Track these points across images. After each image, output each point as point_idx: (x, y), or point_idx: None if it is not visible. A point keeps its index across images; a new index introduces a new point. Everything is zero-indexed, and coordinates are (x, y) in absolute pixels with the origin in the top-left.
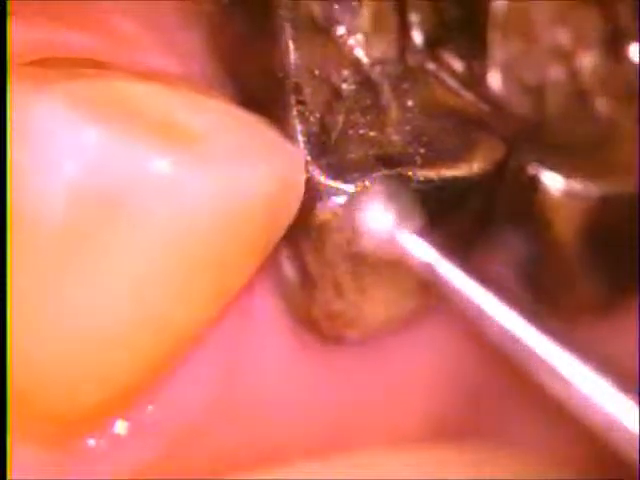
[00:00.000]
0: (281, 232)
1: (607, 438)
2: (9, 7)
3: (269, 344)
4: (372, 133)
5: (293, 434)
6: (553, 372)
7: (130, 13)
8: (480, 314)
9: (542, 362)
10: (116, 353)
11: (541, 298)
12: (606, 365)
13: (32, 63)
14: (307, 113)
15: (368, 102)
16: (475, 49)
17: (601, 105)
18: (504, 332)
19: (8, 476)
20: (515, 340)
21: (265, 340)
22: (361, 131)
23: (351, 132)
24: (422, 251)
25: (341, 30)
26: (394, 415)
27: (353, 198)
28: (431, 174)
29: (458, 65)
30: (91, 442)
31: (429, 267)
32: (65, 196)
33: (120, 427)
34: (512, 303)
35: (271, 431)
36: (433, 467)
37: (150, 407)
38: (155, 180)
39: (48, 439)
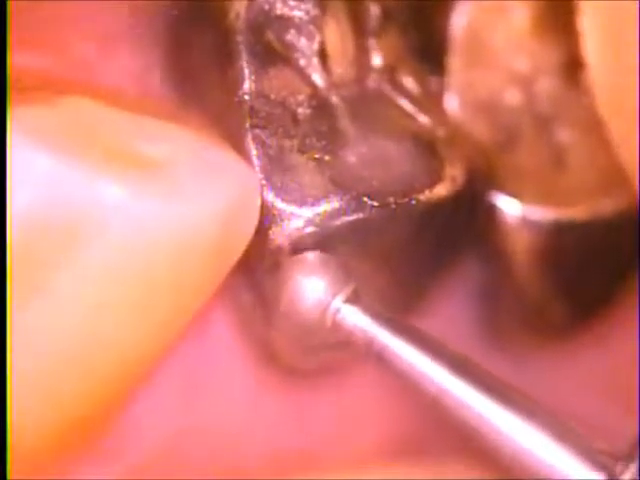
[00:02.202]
0: (236, 257)
1: None
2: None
3: (227, 371)
4: (328, 157)
5: (252, 462)
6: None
7: (86, 34)
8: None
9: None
10: (72, 381)
11: (501, 325)
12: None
13: None
14: (263, 137)
15: (325, 126)
16: (432, 73)
17: (558, 131)
18: (448, 398)
19: (8, 476)
20: (460, 406)
21: (223, 367)
22: (317, 155)
23: (307, 156)
24: (357, 319)
25: (298, 54)
26: (355, 438)
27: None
28: (388, 199)
29: (415, 89)
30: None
31: (366, 335)
32: (17, 224)
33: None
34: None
35: (230, 458)
36: None
37: (107, 435)
38: (109, 207)
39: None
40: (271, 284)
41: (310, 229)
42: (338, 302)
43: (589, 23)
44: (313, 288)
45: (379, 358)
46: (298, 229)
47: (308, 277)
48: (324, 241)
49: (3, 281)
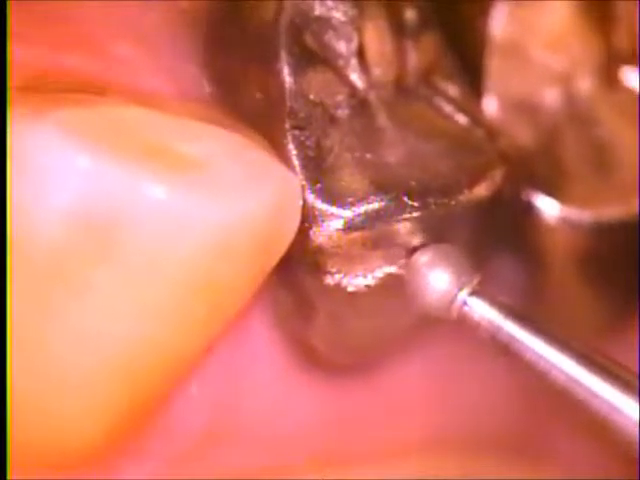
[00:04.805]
0: (278, 257)
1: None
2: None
3: (266, 369)
4: (367, 157)
5: (290, 458)
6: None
7: (126, 36)
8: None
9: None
10: (114, 379)
11: None
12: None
13: (26, 87)
14: (303, 138)
15: (364, 126)
16: (470, 74)
17: (597, 130)
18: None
19: (8, 476)
20: (589, 395)
21: (262, 365)
22: (356, 155)
23: (347, 156)
24: (484, 310)
25: (336, 54)
26: (392, 433)
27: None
28: (428, 199)
29: (453, 90)
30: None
31: (493, 326)
32: (60, 223)
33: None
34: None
35: (268, 455)
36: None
37: (148, 431)
38: (150, 207)
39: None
40: (320, 285)
41: (350, 229)
42: (464, 294)
43: None
44: (440, 280)
45: (506, 349)
46: (338, 230)
47: (434, 270)
48: (364, 241)
49: (3, 282)
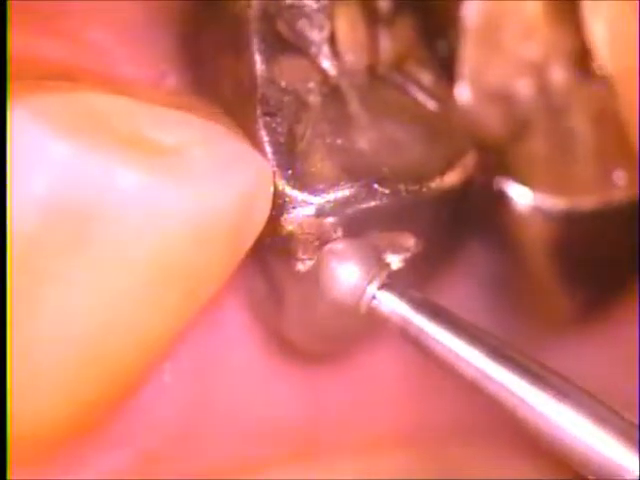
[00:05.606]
0: (249, 243)
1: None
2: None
3: (239, 357)
4: (339, 144)
5: (265, 447)
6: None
7: (101, 25)
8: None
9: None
10: (85, 366)
11: (509, 313)
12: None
13: None
14: (274, 124)
15: (335, 113)
16: (444, 62)
17: (570, 120)
18: (482, 379)
19: (8, 476)
20: (498, 388)
21: (235, 353)
22: (328, 142)
23: (318, 143)
24: (393, 303)
25: (308, 42)
26: (367, 423)
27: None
28: (399, 186)
29: (426, 77)
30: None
31: (403, 320)
32: (34, 210)
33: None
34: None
35: (242, 443)
36: (404, 473)
37: (118, 420)
38: (124, 193)
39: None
40: (291, 271)
41: (321, 216)
42: (373, 288)
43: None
44: (348, 275)
45: (415, 343)
46: (309, 216)
47: (342, 264)
48: (335, 227)
49: (3, 278)
